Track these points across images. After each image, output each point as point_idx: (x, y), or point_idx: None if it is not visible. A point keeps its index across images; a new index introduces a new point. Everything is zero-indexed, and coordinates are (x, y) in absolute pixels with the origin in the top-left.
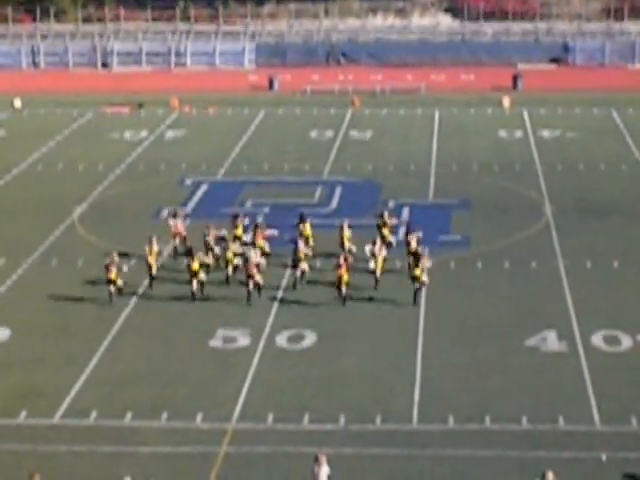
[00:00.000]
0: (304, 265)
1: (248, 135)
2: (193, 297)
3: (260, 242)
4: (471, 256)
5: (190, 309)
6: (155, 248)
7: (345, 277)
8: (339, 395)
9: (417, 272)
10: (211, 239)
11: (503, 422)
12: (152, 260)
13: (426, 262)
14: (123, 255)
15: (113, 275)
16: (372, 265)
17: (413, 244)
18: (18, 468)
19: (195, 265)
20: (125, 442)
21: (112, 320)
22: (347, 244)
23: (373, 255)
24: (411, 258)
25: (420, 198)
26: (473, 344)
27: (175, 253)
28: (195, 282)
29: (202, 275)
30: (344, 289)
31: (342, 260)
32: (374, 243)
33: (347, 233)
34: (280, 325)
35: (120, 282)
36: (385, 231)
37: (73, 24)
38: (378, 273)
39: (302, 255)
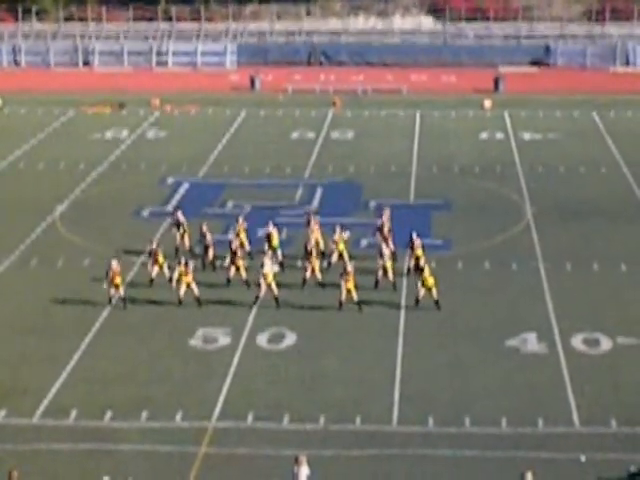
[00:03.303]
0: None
1: (229, 135)
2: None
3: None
4: (452, 257)
5: (170, 308)
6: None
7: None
8: (319, 395)
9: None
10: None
11: (483, 423)
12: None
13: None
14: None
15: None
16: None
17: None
18: None
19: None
20: (105, 441)
21: (92, 319)
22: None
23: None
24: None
25: (401, 199)
26: (453, 345)
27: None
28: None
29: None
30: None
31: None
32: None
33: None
34: (260, 325)
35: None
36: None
37: (55, 23)
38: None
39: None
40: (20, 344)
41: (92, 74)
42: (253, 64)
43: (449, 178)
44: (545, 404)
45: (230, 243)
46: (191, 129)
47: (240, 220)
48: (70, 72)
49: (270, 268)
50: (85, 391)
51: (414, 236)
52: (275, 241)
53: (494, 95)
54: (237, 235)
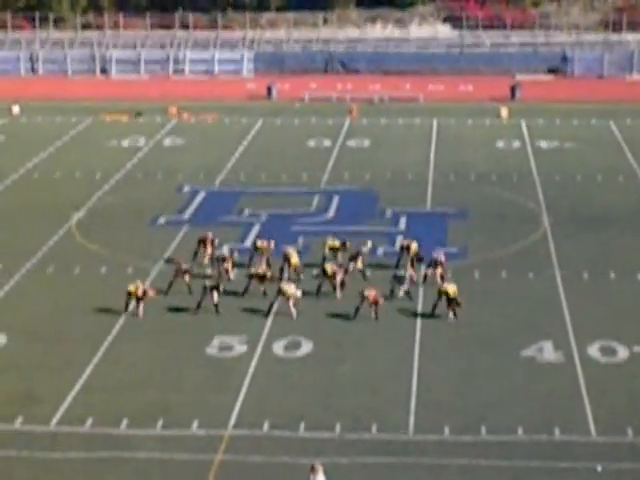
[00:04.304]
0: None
1: (246, 143)
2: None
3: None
4: (468, 265)
5: (187, 316)
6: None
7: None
8: (335, 403)
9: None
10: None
11: (499, 432)
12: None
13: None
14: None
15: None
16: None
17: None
18: (14, 474)
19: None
20: (121, 449)
21: (109, 326)
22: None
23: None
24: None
25: (418, 207)
26: (469, 354)
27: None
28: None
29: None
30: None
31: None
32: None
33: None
34: (277, 333)
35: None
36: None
37: (72, 31)
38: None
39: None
40: (37, 351)
41: (109, 82)
42: (270, 72)
43: (466, 186)
44: (561, 413)
45: (255, 266)
46: (208, 137)
47: (270, 246)
48: (87, 80)
49: (288, 287)
50: (101, 399)
51: (441, 257)
52: (294, 259)
53: (511, 103)
54: (263, 254)
